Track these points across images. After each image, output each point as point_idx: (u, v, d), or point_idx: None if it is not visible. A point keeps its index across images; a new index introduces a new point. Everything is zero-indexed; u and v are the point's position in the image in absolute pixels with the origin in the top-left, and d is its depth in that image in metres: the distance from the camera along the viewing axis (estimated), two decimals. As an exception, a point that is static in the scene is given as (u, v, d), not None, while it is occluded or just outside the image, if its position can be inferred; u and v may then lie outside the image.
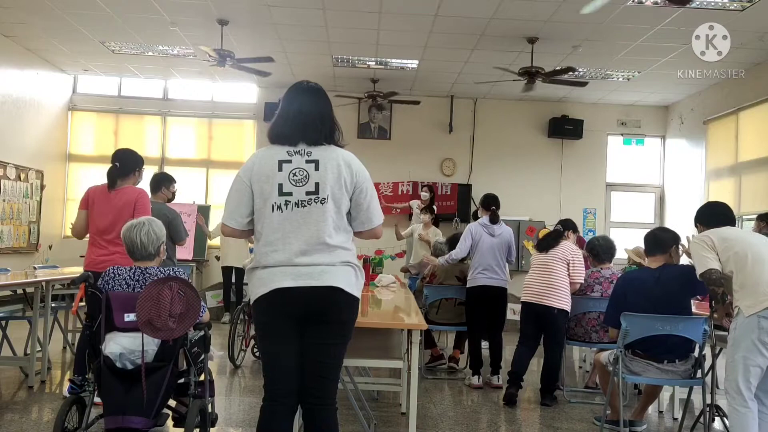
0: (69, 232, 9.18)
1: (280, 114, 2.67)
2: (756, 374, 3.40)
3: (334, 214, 2.55)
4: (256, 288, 2.57)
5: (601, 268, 5.44)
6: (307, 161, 2.56)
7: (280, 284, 2.50)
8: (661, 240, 4.32)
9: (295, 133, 2.59)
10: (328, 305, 2.54)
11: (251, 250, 5.60)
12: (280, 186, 2.53)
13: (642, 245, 4.70)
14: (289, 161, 2.56)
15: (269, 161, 2.57)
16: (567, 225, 5.66)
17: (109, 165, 4.49)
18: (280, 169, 2.54)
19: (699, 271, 3.59)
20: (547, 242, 5.40)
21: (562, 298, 5.15)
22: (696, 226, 3.94)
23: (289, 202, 2.52)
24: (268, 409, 2.58)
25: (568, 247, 5.34)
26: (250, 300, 2.72)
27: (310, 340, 2.55)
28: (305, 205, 2.52)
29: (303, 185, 2.53)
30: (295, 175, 2.54)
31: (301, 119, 2.61)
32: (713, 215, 3.87)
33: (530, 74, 7.63)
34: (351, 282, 2.59)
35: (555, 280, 5.18)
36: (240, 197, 2.59)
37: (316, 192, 2.53)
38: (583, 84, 8.14)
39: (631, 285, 4.28)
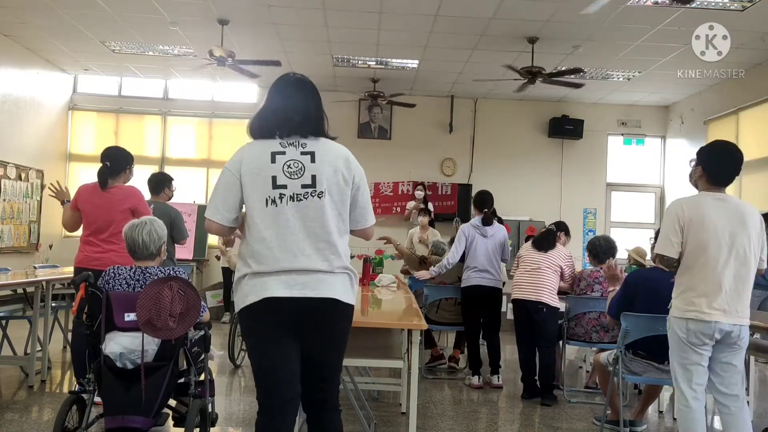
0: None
1: (268, 106, 2.50)
2: (699, 372, 3.20)
3: (332, 210, 2.40)
4: (245, 295, 2.38)
5: (602, 268, 5.43)
6: (302, 153, 2.41)
7: (271, 293, 2.33)
8: None
9: (285, 125, 2.44)
10: (324, 316, 2.39)
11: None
12: (274, 178, 2.36)
13: (642, 245, 4.70)
14: (283, 153, 2.40)
15: (261, 153, 2.41)
16: (560, 227, 5.82)
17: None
18: (273, 161, 2.38)
19: (656, 250, 3.32)
20: (545, 241, 5.44)
21: (551, 296, 5.27)
22: (696, 166, 3.33)
23: (284, 195, 2.35)
24: (267, 423, 2.36)
25: (562, 254, 5.43)
26: (235, 307, 2.46)
27: (307, 346, 2.40)
28: (301, 199, 2.36)
29: (298, 177, 2.37)
30: (289, 167, 2.38)
31: (293, 111, 2.46)
32: (715, 155, 3.27)
33: (532, 74, 7.62)
34: (347, 290, 2.45)
35: (544, 279, 5.29)
36: (227, 191, 2.40)
37: (313, 185, 2.37)
38: (579, 86, 8.11)
39: (645, 282, 4.18)
